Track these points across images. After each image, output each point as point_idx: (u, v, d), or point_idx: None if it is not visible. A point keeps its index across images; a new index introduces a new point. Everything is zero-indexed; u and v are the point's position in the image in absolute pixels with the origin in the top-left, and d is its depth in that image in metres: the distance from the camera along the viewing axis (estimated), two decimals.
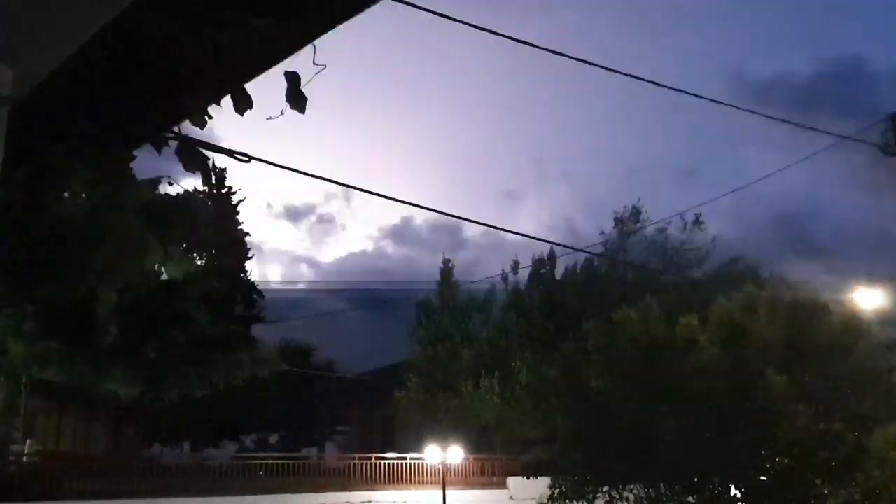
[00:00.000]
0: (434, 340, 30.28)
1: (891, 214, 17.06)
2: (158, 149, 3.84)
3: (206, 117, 3.52)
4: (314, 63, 3.42)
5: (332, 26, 3.35)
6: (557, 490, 17.48)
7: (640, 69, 8.40)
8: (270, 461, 25.71)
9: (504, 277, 30.59)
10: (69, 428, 28.43)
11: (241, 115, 3.59)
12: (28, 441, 23.50)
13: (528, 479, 20.45)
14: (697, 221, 28.92)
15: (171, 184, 16.81)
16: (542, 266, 30.38)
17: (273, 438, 45.87)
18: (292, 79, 3.52)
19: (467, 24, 5.63)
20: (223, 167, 28.61)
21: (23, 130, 3.58)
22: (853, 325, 16.08)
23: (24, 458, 22.75)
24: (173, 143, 3.86)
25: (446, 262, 32.04)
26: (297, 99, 3.51)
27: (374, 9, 3.40)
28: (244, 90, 3.59)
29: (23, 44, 3.30)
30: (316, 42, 3.43)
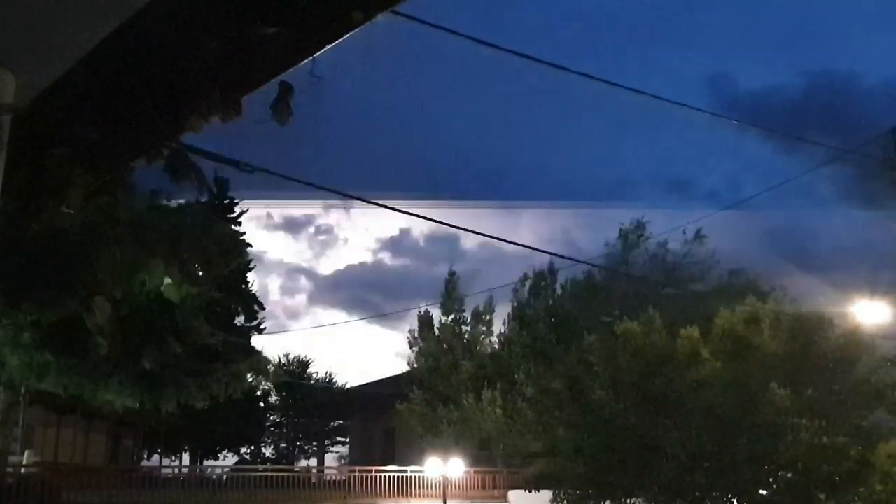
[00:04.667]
0: (435, 352, 30.19)
1: (889, 228, 17.01)
2: (150, 161, 3.80)
3: (202, 122, 3.49)
4: (311, 75, 3.39)
5: (338, 38, 3.32)
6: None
7: (627, 83, 8.42)
8: (270, 473, 25.58)
9: (514, 290, 30.51)
10: (68, 439, 28.29)
11: (225, 122, 3.56)
12: (26, 452, 23.39)
13: (529, 492, 20.38)
14: (699, 235, 28.93)
15: (168, 199, 16.79)
16: (544, 279, 30.33)
17: (272, 451, 45.68)
18: (284, 90, 3.48)
19: (469, 37, 5.61)
20: (225, 177, 28.54)
21: (24, 139, 3.56)
22: (856, 339, 16.02)
23: (23, 470, 22.63)
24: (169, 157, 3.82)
25: (451, 273, 31.99)
26: (282, 110, 3.47)
27: (377, 22, 3.37)
28: (239, 99, 3.56)
29: (26, 53, 3.27)
30: (317, 54, 3.40)
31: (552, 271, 30.11)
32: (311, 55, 3.36)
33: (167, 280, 10.93)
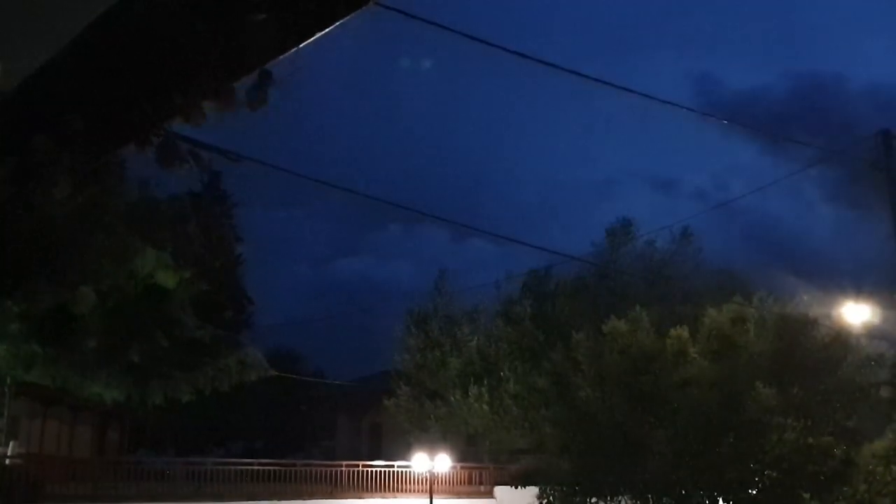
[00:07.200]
0: (423, 348, 30.18)
1: (874, 229, 17.13)
2: (142, 147, 3.77)
3: (202, 115, 3.47)
4: (291, 65, 3.38)
5: (329, 24, 3.30)
6: (545, 500, 17.45)
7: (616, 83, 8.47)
8: (257, 467, 25.52)
9: (501, 286, 30.52)
10: (54, 431, 28.13)
11: (228, 112, 3.54)
12: (11, 443, 23.23)
13: (515, 488, 20.44)
14: (686, 234, 28.98)
15: (161, 189, 16.71)
16: (533, 275, 30.32)
17: (259, 445, 45.58)
18: (263, 77, 3.46)
19: (460, 32, 5.61)
20: (218, 170, 28.36)
21: (10, 125, 3.53)
22: (841, 339, 16.13)
23: (7, 461, 22.47)
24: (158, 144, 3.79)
25: (442, 271, 32.04)
26: (256, 98, 3.46)
27: (365, 14, 3.36)
28: (232, 89, 3.53)
29: (11, 36, 3.25)
30: (309, 41, 3.38)
31: (543, 268, 30.11)
32: (303, 41, 3.34)
33: (158, 269, 10.88)
